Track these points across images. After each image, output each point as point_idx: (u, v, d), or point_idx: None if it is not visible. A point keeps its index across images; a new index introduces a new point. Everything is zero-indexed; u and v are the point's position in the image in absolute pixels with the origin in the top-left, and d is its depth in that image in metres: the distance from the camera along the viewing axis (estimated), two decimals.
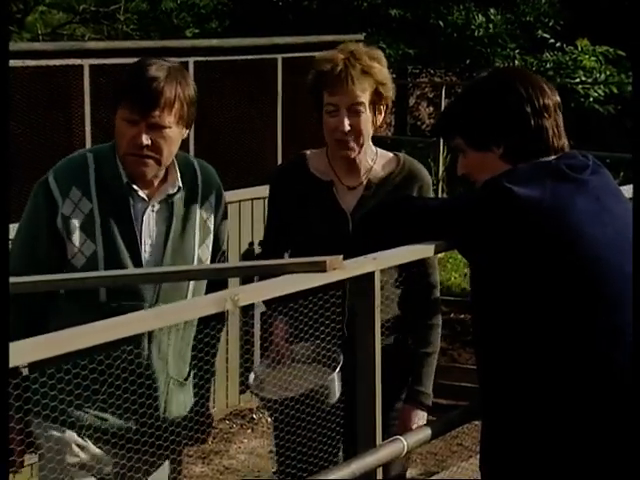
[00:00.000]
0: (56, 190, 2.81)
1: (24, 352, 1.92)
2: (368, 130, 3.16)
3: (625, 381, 2.45)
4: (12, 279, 2.16)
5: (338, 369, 2.88)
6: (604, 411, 2.45)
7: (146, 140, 2.75)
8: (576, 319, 2.45)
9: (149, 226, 2.85)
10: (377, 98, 3.14)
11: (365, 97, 3.11)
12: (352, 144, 3.15)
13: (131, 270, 2.71)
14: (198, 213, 2.92)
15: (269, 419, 5.10)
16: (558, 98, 2.65)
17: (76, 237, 2.79)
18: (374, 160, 3.25)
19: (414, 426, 3.14)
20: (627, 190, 3.04)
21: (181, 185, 2.89)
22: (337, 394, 2.88)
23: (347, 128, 3.11)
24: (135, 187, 2.83)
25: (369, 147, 3.24)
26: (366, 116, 3.13)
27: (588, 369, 2.45)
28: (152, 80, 2.73)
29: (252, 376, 2.99)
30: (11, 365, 1.84)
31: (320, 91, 3.15)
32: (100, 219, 2.80)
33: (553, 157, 2.58)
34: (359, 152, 3.19)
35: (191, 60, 6.70)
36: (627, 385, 2.45)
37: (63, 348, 1.99)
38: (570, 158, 2.59)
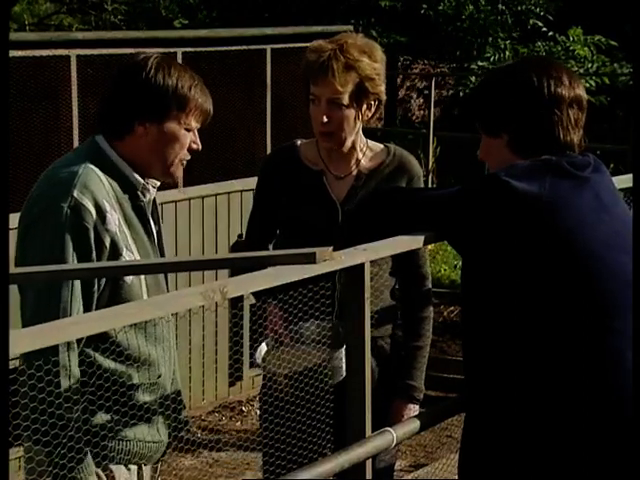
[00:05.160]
0: (93, 209, 2.61)
1: (21, 341, 1.90)
2: (350, 124, 3.13)
3: (615, 381, 2.43)
4: (20, 269, 2.11)
5: (344, 347, 2.85)
6: (592, 411, 2.43)
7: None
8: (566, 316, 2.43)
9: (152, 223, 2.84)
10: (362, 93, 3.10)
11: (346, 91, 3.08)
12: (332, 136, 3.13)
13: (125, 262, 2.65)
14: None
15: (258, 411, 5.08)
16: (580, 92, 2.59)
17: (125, 254, 2.66)
18: (363, 151, 3.23)
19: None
20: (625, 180, 3.03)
21: None
22: (344, 372, 2.86)
23: (324, 120, 3.10)
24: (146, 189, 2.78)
25: (359, 138, 3.21)
26: (348, 110, 3.10)
27: (576, 367, 2.43)
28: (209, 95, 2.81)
29: (259, 354, 3.00)
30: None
31: (307, 80, 3.14)
32: (128, 229, 2.70)
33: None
34: (342, 144, 3.17)
35: (179, 51, 6.65)
36: (617, 385, 2.43)
37: (59, 338, 1.99)
38: (572, 155, 2.57)
